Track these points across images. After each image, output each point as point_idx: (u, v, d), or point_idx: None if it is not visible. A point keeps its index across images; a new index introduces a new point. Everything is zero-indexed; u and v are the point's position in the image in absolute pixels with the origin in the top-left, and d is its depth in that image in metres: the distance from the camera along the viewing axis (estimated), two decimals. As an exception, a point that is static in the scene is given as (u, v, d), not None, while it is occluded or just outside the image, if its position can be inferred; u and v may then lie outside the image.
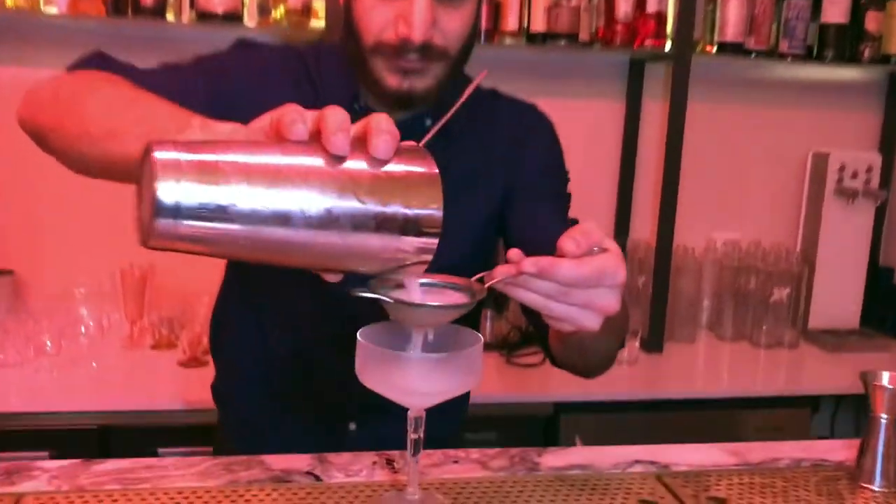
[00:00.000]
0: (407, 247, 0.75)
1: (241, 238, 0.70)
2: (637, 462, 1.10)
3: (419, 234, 0.75)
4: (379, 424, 1.21)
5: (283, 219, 0.70)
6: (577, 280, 0.86)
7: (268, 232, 0.70)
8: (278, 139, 0.75)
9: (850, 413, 2.66)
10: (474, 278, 0.91)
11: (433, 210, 0.75)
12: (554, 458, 1.09)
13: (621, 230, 2.63)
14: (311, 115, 0.75)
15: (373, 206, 0.72)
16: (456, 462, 1.08)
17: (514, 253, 0.89)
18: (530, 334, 2.41)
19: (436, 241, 0.76)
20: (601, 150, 2.62)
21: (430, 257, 0.78)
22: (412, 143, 0.80)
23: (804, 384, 2.34)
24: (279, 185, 0.70)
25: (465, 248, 1.27)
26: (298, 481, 1.00)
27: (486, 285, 0.88)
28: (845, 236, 2.59)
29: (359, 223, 0.72)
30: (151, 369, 2.14)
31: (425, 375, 0.85)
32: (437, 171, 0.76)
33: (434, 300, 0.88)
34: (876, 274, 2.67)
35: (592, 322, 0.90)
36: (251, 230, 0.69)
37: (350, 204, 0.71)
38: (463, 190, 1.25)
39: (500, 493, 1.00)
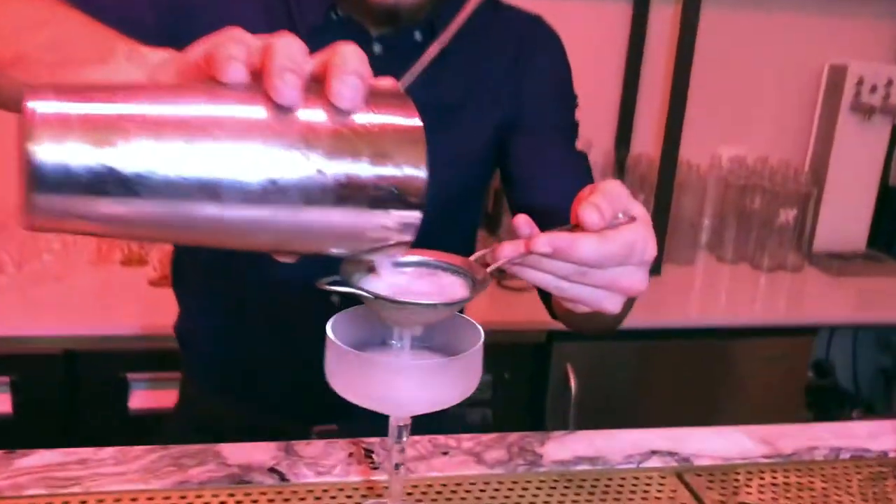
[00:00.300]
0: (380, 224, 0.56)
1: (154, 217, 0.50)
2: (654, 453, 0.92)
3: (396, 205, 0.55)
4: None
5: (210, 192, 0.50)
6: (601, 260, 0.67)
7: (189, 209, 0.50)
8: (210, 80, 0.54)
9: (848, 338, 2.51)
10: (474, 257, 0.71)
11: (414, 173, 0.55)
12: (558, 449, 0.92)
13: (622, 143, 2.41)
14: (256, 44, 0.54)
15: (333, 173, 0.52)
16: (445, 453, 0.90)
17: (521, 223, 0.70)
18: (523, 254, 2.22)
19: (419, 214, 0.56)
20: (604, 56, 2.36)
21: (410, 237, 0.58)
22: (387, 82, 0.59)
23: (806, 312, 2.17)
24: (203, 145, 0.50)
25: (458, 183, 1.07)
26: (260, 482, 0.83)
27: (490, 269, 0.69)
28: (858, 155, 2.38)
29: (314, 195, 0.52)
30: (121, 289, 1.95)
31: (416, 386, 0.67)
32: (419, 122, 0.56)
33: (424, 287, 0.68)
34: (887, 194, 2.47)
35: (613, 304, 0.72)
36: (166, 207, 0.50)
37: (302, 170, 0.52)
38: (457, 115, 1.04)
39: (497, 497, 0.83)
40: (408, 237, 0.59)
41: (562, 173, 1.09)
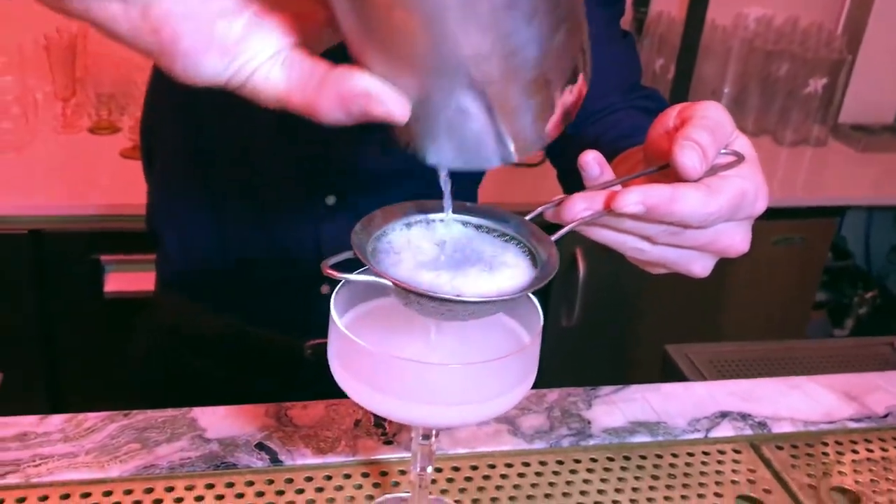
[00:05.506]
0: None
1: None
2: (723, 415, 0.75)
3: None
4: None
5: None
6: (705, 219, 0.49)
7: None
8: None
9: (862, 214, 2.33)
10: (533, 214, 0.51)
11: None
12: (608, 413, 0.73)
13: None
14: None
15: None
16: (473, 420, 0.72)
17: (590, 162, 0.51)
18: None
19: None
20: None
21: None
22: None
23: (828, 191, 1.97)
24: None
25: None
26: (246, 465, 0.64)
27: (557, 236, 0.49)
28: (898, 17, 2.12)
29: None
30: (90, 160, 1.72)
31: (459, 387, 0.47)
32: None
33: (464, 263, 0.47)
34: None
35: (704, 267, 0.55)
36: None
37: None
38: None
39: (540, 482, 0.65)
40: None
41: (608, 62, 0.86)
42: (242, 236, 0.91)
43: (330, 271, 0.43)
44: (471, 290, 0.45)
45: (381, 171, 0.85)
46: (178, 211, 0.94)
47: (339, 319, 0.48)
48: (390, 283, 0.43)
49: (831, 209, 1.94)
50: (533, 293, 0.47)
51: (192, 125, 0.86)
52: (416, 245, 0.48)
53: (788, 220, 1.89)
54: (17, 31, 1.79)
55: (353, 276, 0.44)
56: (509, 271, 0.46)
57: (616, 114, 0.81)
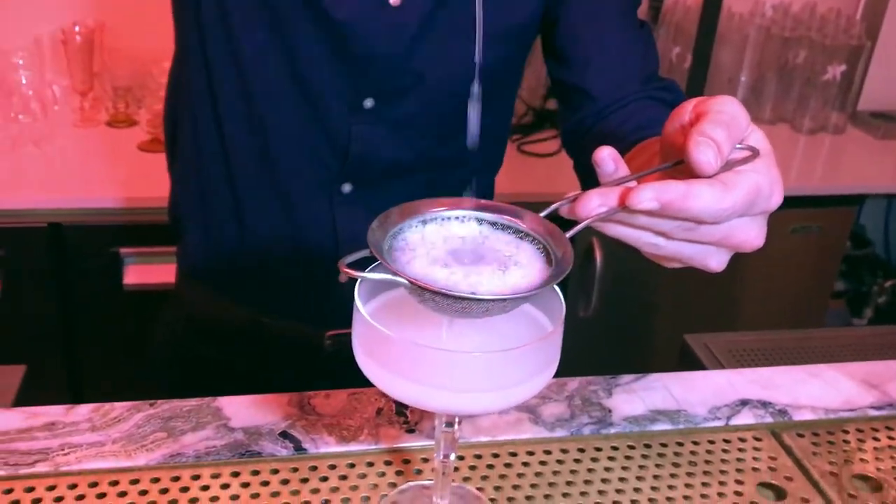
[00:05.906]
0: None
1: None
2: (743, 403, 0.75)
3: None
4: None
5: None
6: (720, 214, 0.49)
7: None
8: None
9: (881, 201, 2.32)
10: (548, 211, 0.51)
11: None
12: (629, 402, 0.74)
13: (656, -12, 2.12)
14: None
15: None
16: (494, 409, 0.73)
17: (605, 158, 0.52)
18: (545, 114, 1.99)
19: None
20: None
21: None
22: None
23: (847, 179, 1.96)
24: None
25: (501, 52, 0.85)
26: (271, 453, 0.65)
27: (571, 233, 0.50)
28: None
29: None
30: (108, 154, 1.73)
31: (483, 375, 0.48)
32: None
33: (480, 261, 0.48)
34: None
35: (719, 262, 0.55)
36: None
37: None
38: None
39: (562, 471, 0.66)
40: None
41: (623, 51, 0.86)
42: (262, 226, 0.92)
43: (346, 270, 0.44)
44: (486, 287, 0.45)
45: (397, 161, 0.86)
46: (200, 202, 0.95)
47: (363, 308, 0.48)
48: (406, 282, 0.44)
49: (850, 197, 1.93)
50: (554, 283, 0.47)
51: (214, 112, 0.87)
52: (432, 242, 0.49)
53: (806, 209, 1.88)
54: (35, 26, 1.81)
55: (368, 275, 0.45)
56: (524, 269, 0.47)
57: (634, 104, 0.81)
